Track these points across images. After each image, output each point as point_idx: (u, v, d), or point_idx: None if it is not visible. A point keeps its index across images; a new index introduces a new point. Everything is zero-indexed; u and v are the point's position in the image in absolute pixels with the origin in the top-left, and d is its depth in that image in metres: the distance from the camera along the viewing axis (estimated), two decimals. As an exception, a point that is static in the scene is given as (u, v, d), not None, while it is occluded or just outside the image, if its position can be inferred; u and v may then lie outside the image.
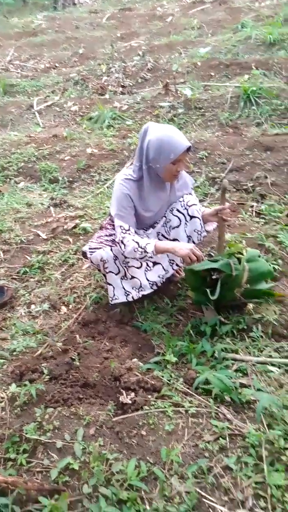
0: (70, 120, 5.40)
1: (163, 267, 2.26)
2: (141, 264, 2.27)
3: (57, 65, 7.57)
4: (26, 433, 1.57)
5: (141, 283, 2.27)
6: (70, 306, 2.48)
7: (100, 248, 2.24)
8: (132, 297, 2.29)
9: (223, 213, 2.15)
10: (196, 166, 3.76)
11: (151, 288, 2.30)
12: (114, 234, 2.32)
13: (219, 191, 3.44)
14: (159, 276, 2.29)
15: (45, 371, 1.92)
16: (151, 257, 2.13)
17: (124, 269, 2.26)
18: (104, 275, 2.28)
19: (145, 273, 2.29)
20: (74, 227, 3.20)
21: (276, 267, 2.43)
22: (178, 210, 2.26)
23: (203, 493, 1.40)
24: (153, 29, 8.20)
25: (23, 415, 1.70)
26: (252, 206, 3.15)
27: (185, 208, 2.24)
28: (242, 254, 2.20)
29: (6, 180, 4.18)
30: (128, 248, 2.09)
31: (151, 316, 2.31)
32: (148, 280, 2.29)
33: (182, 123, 4.62)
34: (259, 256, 2.33)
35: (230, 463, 1.47)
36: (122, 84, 6.04)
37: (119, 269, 2.26)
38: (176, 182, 2.29)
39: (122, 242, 2.11)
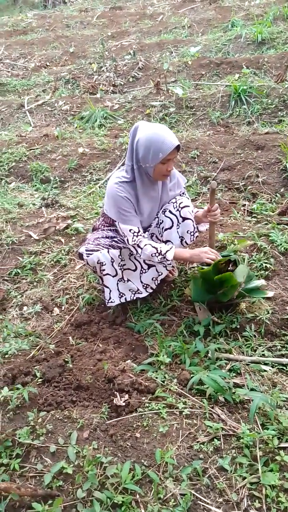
0: (61, 119, 5.36)
1: (156, 269, 2.25)
2: (136, 267, 2.27)
3: (47, 64, 7.51)
4: (19, 438, 1.55)
5: (137, 288, 2.27)
6: (63, 308, 2.46)
7: (98, 250, 2.22)
8: (125, 299, 2.28)
9: (211, 214, 2.15)
10: (188, 166, 3.75)
11: (146, 291, 2.30)
12: (112, 237, 2.31)
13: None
14: (152, 279, 2.28)
15: (38, 374, 1.90)
16: (169, 264, 2.18)
17: (121, 272, 2.25)
18: (101, 278, 2.27)
19: (140, 276, 2.28)
20: (66, 227, 3.18)
21: (268, 265, 2.43)
22: (170, 212, 2.25)
23: (198, 495, 1.40)
24: (144, 28, 8.18)
25: (15, 419, 1.68)
26: (244, 205, 3.16)
27: (178, 210, 2.23)
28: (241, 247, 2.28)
29: (-4, 180, 4.13)
30: (145, 252, 2.11)
31: (144, 316, 2.30)
32: (142, 282, 2.28)
33: (174, 122, 4.61)
34: (253, 263, 2.41)
35: (224, 464, 1.46)
36: (113, 83, 6.01)
37: (116, 272, 2.25)
38: (168, 181, 2.28)
39: (138, 246, 2.12)
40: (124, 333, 2.21)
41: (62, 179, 4.02)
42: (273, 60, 5.30)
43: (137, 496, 1.39)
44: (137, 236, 2.13)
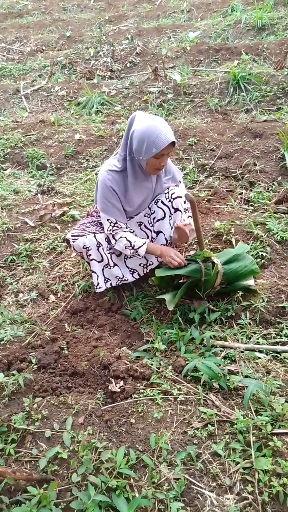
0: (57, 105, 5.28)
1: (146, 257, 2.25)
2: (120, 253, 2.28)
3: (44, 48, 7.37)
4: (14, 423, 1.56)
5: (123, 275, 2.28)
6: (59, 295, 2.46)
7: (83, 235, 2.22)
8: (111, 284, 2.29)
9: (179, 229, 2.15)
10: (185, 153, 3.72)
11: (133, 276, 2.30)
12: (99, 222, 2.29)
13: (208, 178, 3.42)
14: (140, 265, 2.28)
15: (33, 360, 1.91)
16: (140, 257, 2.20)
17: (107, 257, 2.25)
18: (88, 263, 2.27)
19: (124, 261, 2.30)
20: (62, 214, 3.16)
21: (265, 254, 2.43)
22: (162, 202, 2.24)
23: (191, 479, 1.41)
24: (142, 12, 8.02)
25: (11, 404, 1.68)
26: (241, 194, 3.14)
27: (170, 201, 2.22)
28: (212, 259, 2.14)
29: (-8, 166, 4.09)
30: (119, 244, 2.16)
31: (140, 304, 2.30)
32: (128, 267, 2.29)
33: (171, 109, 4.55)
34: (249, 251, 2.34)
35: (218, 450, 1.48)
36: (111, 68, 5.92)
37: (102, 257, 2.24)
38: (163, 175, 2.26)
39: (113, 236, 2.16)
40: (120, 320, 2.22)
41: (58, 165, 3.98)
42: (273, 46, 5.22)
43: (132, 480, 1.40)
44: (113, 226, 2.15)
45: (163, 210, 2.23)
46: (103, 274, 2.28)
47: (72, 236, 2.24)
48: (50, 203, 3.29)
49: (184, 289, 2.10)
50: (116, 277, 2.28)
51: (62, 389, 1.76)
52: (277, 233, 2.55)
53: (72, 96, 5.34)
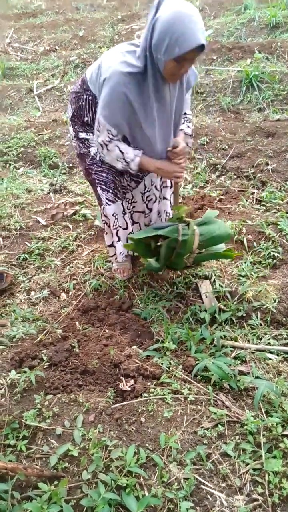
0: (69, 104, 5.31)
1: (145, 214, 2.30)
2: (136, 221, 2.35)
3: (57, 47, 7.41)
4: (26, 420, 1.57)
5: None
6: (70, 293, 2.48)
7: (115, 201, 2.13)
8: (128, 252, 2.36)
9: (174, 157, 1.92)
10: (197, 152, 3.71)
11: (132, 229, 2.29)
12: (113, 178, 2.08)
13: (220, 177, 3.41)
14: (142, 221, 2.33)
15: (45, 358, 1.92)
16: (132, 171, 1.95)
17: (129, 224, 2.25)
18: (111, 232, 2.27)
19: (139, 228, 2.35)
20: (74, 213, 3.18)
21: (276, 254, 2.41)
22: (156, 188, 2.22)
23: (201, 479, 1.42)
24: (155, 11, 8.01)
25: (22, 401, 1.70)
26: (253, 193, 3.12)
27: (159, 190, 2.23)
28: (186, 218, 2.08)
29: (5, 165, 4.13)
30: (111, 155, 1.88)
31: (150, 303, 2.30)
32: (133, 220, 2.33)
33: (183, 108, 4.54)
34: (261, 251, 2.31)
35: (228, 450, 1.48)
36: (123, 67, 5.92)
37: (126, 224, 2.25)
38: (185, 89, 1.88)
39: (105, 145, 1.85)
40: (130, 319, 2.22)
41: (70, 165, 4.01)
42: (286, 44, 5.16)
43: (141, 479, 1.41)
44: (111, 138, 1.83)
45: (155, 195, 2.24)
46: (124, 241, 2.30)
47: (107, 199, 2.11)
48: (62, 202, 3.31)
49: (165, 250, 2.02)
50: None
51: (73, 387, 1.77)
52: (290, 233, 2.53)
53: (85, 96, 5.36)
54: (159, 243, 2.10)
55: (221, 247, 2.21)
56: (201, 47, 1.53)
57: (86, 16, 8.68)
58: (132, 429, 1.56)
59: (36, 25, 8.65)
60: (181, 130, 2.03)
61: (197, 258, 2.11)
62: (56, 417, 1.61)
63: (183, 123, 2.05)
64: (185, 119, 2.08)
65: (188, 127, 2.06)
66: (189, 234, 2.00)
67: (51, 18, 9.06)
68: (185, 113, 2.04)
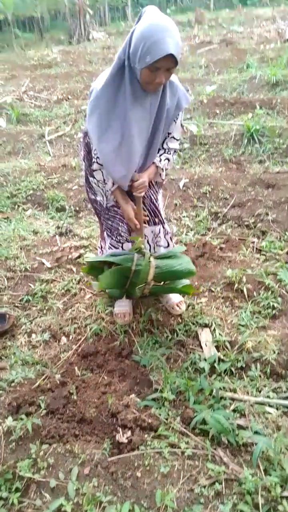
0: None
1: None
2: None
3: (69, 97, 7.85)
4: (20, 470, 1.55)
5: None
6: (70, 337, 2.49)
7: (117, 248, 2.28)
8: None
9: (133, 187, 2.03)
10: (200, 201, 3.83)
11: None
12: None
13: (221, 225, 3.50)
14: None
15: (42, 405, 1.91)
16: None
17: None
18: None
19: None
20: (79, 256, 3.25)
21: (276, 305, 2.44)
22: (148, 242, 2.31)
23: None
24: (162, 66, 8.54)
25: (18, 450, 1.68)
26: (253, 242, 3.20)
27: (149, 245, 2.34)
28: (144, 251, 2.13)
29: (14, 206, 4.26)
30: (96, 176, 2.08)
31: (150, 350, 2.31)
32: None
33: (187, 158, 4.74)
34: (260, 301, 2.34)
35: (225, 511, 1.44)
36: (131, 117, 6.23)
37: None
38: (168, 96, 1.86)
39: (93, 165, 2.04)
40: (129, 366, 2.22)
41: (77, 208, 4.13)
42: (286, 101, 5.46)
43: (135, 538, 1.37)
44: (97, 159, 1.98)
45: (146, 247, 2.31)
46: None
47: (110, 245, 2.29)
48: (68, 246, 3.39)
49: (117, 277, 2.07)
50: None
51: (69, 437, 1.75)
52: (289, 284, 2.57)
53: (93, 143, 5.61)
54: (110, 269, 2.14)
55: (184, 282, 2.24)
56: (173, 58, 1.57)
57: (98, 68, 9.25)
58: (128, 484, 1.53)
59: (51, 75, 9.20)
60: (153, 163, 2.08)
61: (154, 289, 2.18)
62: (50, 469, 1.59)
63: (161, 154, 2.09)
64: (167, 150, 2.10)
65: (167, 159, 2.10)
66: (142, 265, 2.06)
67: (65, 69, 9.67)
68: (171, 134, 2.04)
